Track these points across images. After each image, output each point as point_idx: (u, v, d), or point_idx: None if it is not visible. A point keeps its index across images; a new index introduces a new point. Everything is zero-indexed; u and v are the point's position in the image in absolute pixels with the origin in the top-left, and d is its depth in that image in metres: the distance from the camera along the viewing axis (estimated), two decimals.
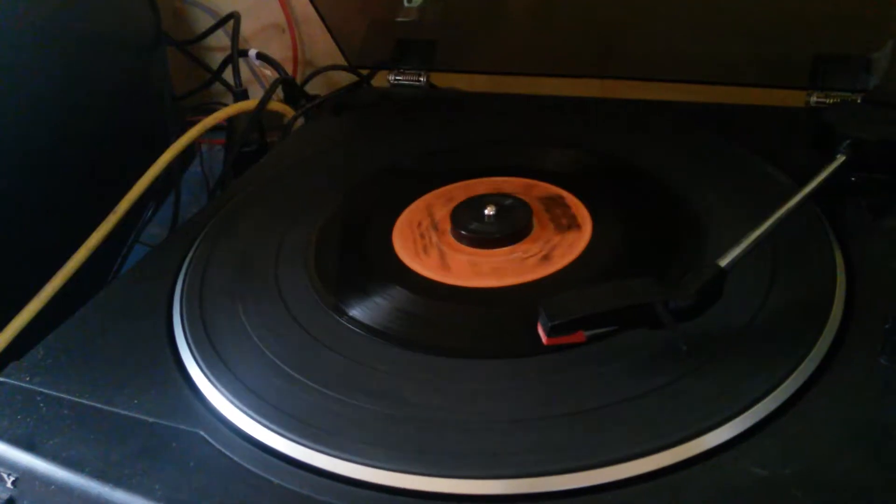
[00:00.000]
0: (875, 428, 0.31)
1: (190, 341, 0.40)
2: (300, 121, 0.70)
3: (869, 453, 0.30)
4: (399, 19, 0.68)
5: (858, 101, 0.47)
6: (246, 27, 0.85)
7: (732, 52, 0.58)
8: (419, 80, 0.69)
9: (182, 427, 0.34)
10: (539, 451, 0.31)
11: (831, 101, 0.55)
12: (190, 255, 0.48)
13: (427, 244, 0.46)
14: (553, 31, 0.63)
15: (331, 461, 0.32)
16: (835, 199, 0.44)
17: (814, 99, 0.56)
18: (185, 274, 0.46)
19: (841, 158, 0.43)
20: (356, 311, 0.41)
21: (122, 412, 0.36)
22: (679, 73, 0.60)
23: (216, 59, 0.83)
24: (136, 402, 0.36)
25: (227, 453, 0.33)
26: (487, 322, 0.41)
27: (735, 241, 0.37)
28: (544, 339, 0.34)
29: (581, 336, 0.34)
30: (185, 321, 0.41)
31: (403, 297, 0.42)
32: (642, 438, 0.31)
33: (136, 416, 0.35)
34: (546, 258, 0.44)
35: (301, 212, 0.52)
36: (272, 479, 0.31)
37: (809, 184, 0.41)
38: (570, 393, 0.34)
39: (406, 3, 0.67)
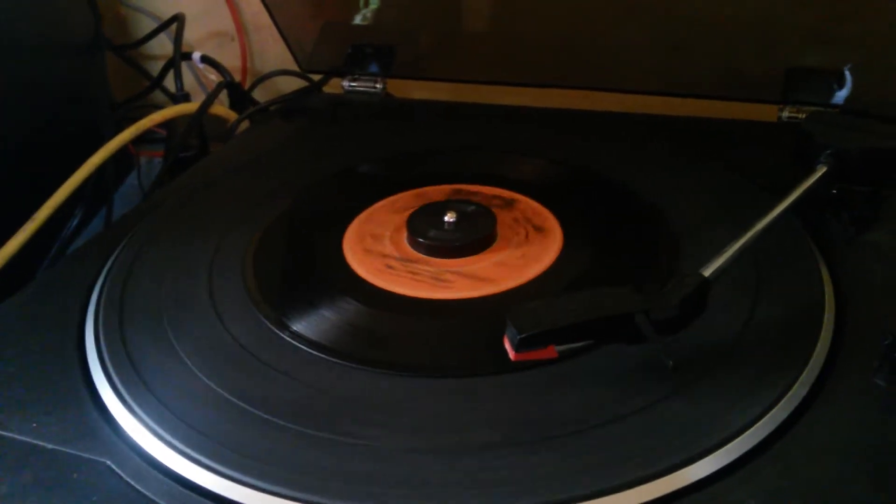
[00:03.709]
0: (877, 453, 0.28)
1: (104, 356, 0.35)
2: (245, 127, 0.65)
3: (874, 481, 0.27)
4: (355, 23, 0.64)
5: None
6: (192, 34, 0.81)
7: (703, 65, 0.56)
8: (375, 87, 0.65)
9: (86, 455, 0.30)
10: (500, 484, 0.27)
11: (803, 115, 0.53)
12: (110, 261, 0.43)
13: (382, 255, 0.42)
14: (517, 38, 0.60)
15: (265, 499, 0.27)
16: (815, 213, 0.42)
17: (786, 114, 0.54)
18: (104, 282, 0.40)
19: (822, 169, 0.41)
20: (301, 326, 0.37)
21: (17, 437, 0.31)
22: (646, 85, 0.57)
23: (159, 67, 0.79)
24: (34, 425, 0.32)
25: (138, 487, 0.28)
26: (448, 337, 0.37)
27: (716, 252, 0.34)
28: (512, 354, 0.30)
29: (553, 351, 0.31)
30: (101, 334, 0.36)
31: (355, 309, 0.38)
32: (620, 469, 0.27)
33: (33, 441, 0.31)
34: (516, 265, 0.40)
35: (241, 217, 0.47)
36: None
37: (792, 193, 0.39)
38: (540, 416, 0.30)
39: (362, 7, 0.64)
